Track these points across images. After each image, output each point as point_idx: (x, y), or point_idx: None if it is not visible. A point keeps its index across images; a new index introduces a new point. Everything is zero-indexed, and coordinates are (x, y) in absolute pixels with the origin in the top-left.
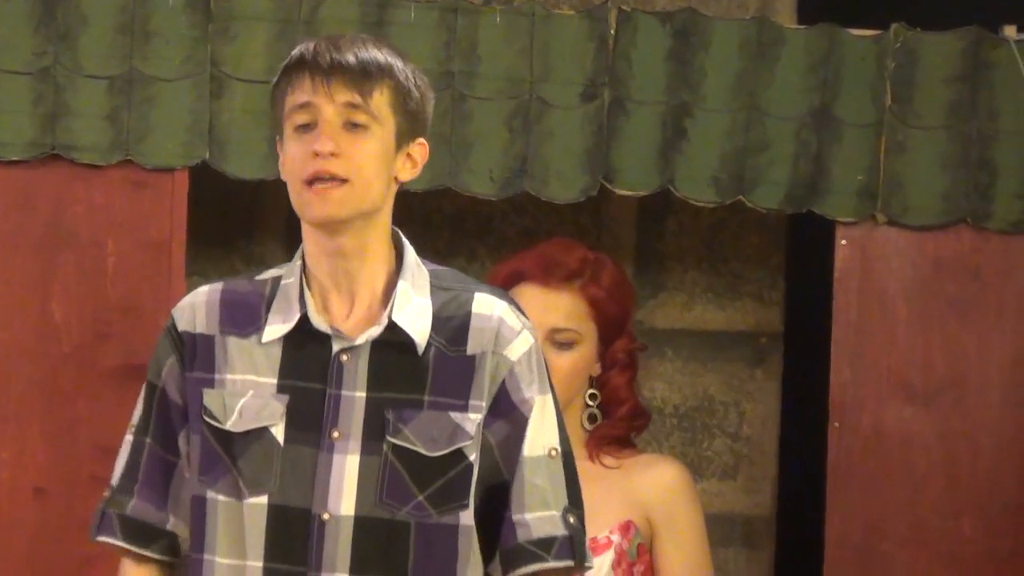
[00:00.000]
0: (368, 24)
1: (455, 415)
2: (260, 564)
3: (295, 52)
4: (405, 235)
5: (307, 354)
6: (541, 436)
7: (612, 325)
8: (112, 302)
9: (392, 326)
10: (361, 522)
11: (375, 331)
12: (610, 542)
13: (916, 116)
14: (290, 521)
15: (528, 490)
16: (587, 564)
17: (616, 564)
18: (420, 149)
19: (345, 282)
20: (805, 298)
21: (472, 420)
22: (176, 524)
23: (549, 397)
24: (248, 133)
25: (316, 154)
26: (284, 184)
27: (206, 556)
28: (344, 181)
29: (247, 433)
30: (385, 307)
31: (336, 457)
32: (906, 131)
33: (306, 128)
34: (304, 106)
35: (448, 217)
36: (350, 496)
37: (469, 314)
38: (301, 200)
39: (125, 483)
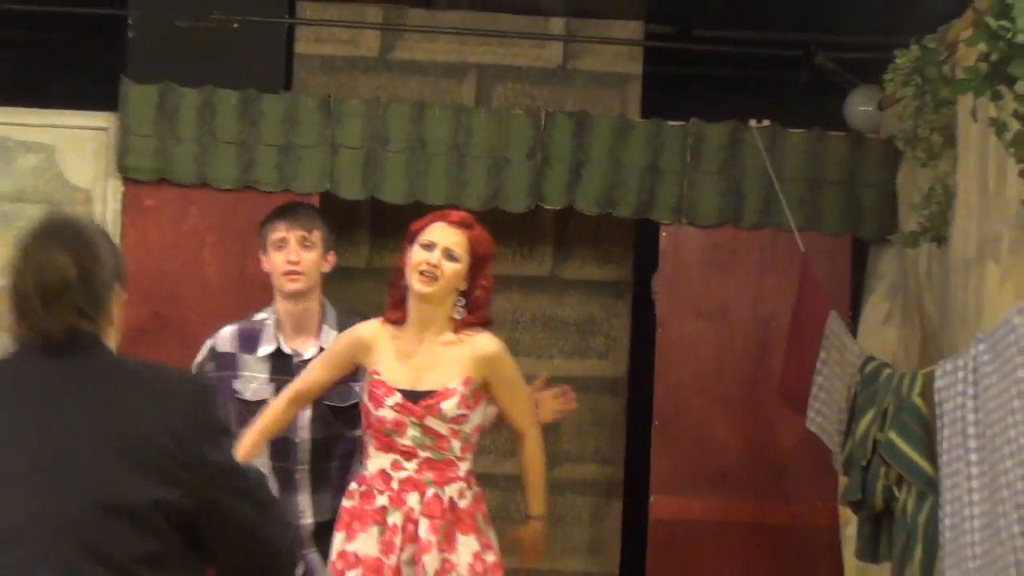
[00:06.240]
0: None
1: (352, 384)
2: (270, 463)
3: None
4: None
5: (282, 362)
6: None
7: (477, 261)
8: None
9: (321, 348)
10: (313, 441)
11: (314, 350)
12: (456, 390)
13: (703, 168)
14: (281, 443)
15: None
16: None
17: (461, 402)
18: (332, 257)
19: (298, 324)
20: (645, 262)
21: (357, 388)
22: None
23: None
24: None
25: (288, 262)
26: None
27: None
28: (303, 274)
29: (256, 401)
30: (318, 337)
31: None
32: (697, 176)
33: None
34: (281, 239)
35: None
36: (306, 429)
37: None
38: (281, 283)
39: None
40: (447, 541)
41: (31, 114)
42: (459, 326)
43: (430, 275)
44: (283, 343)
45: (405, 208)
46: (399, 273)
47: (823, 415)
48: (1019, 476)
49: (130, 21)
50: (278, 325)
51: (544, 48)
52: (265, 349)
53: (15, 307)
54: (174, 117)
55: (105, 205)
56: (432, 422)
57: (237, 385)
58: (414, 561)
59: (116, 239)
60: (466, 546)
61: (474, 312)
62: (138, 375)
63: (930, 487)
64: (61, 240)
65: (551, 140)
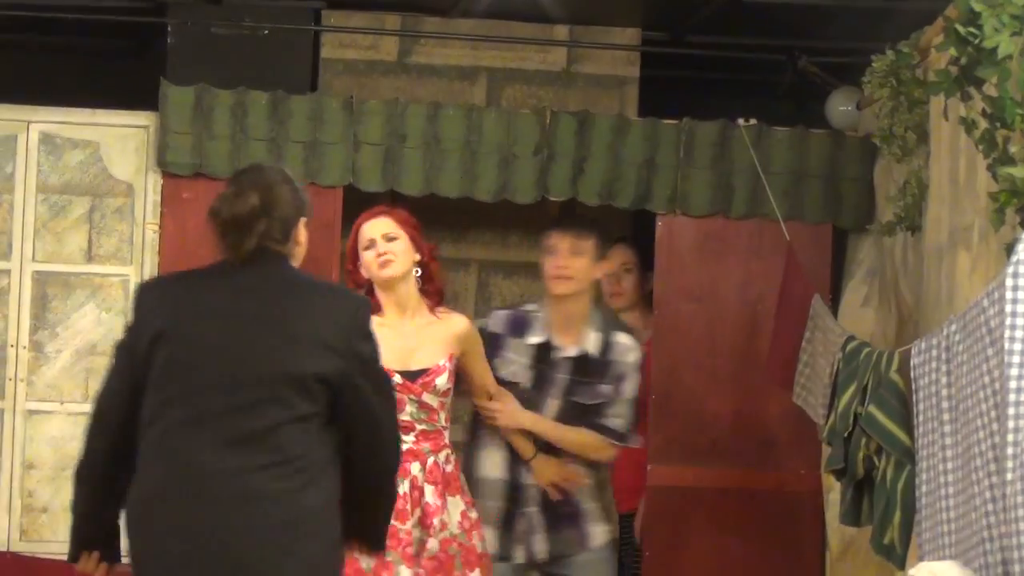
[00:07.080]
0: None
1: (599, 387)
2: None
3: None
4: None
5: (545, 353)
6: None
7: (413, 232)
8: None
9: (583, 349)
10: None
11: (575, 350)
12: (444, 366)
13: (696, 163)
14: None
15: None
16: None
17: (449, 377)
18: (604, 265)
19: (565, 322)
20: (643, 247)
21: (605, 390)
22: None
23: None
24: None
25: (556, 266)
26: None
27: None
28: (571, 279)
29: (509, 382)
30: (580, 337)
31: (549, 400)
32: (690, 170)
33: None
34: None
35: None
36: (552, 414)
37: (611, 344)
38: (550, 286)
39: None
40: (441, 502)
41: (78, 113)
42: (431, 307)
43: (385, 263)
44: (553, 336)
45: (422, 200)
46: (362, 287)
47: (808, 390)
48: (989, 446)
49: (170, 29)
50: (548, 319)
51: (549, 53)
52: (534, 338)
53: (218, 232)
54: (209, 116)
55: (146, 197)
56: (427, 397)
57: (496, 362)
58: (421, 524)
59: (156, 229)
60: (455, 506)
61: (431, 281)
62: (311, 284)
63: (907, 456)
64: (251, 184)
65: (555, 137)
